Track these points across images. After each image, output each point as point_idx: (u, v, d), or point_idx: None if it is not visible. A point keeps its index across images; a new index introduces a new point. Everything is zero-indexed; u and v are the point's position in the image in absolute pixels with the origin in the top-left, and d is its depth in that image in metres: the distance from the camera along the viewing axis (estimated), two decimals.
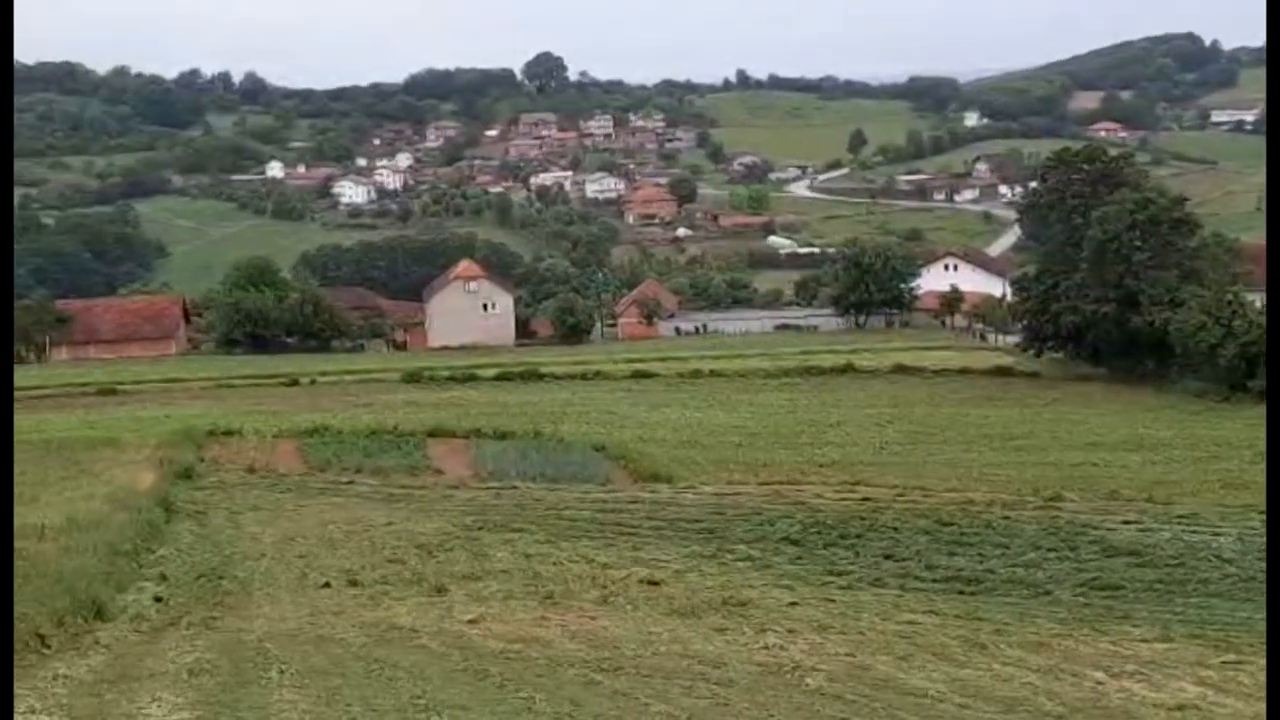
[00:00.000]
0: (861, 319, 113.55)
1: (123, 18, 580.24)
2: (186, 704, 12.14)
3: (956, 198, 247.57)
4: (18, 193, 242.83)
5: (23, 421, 59.00)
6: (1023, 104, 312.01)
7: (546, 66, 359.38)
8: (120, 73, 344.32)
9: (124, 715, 11.59)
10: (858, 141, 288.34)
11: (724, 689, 15.13)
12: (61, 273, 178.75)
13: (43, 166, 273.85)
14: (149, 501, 32.77)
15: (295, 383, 75.07)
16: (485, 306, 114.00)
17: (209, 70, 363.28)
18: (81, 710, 11.94)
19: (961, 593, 24.56)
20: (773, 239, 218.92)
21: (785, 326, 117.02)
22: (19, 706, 12.03)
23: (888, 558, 27.66)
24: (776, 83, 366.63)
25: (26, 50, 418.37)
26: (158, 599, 22.07)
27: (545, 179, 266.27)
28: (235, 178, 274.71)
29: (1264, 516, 28.48)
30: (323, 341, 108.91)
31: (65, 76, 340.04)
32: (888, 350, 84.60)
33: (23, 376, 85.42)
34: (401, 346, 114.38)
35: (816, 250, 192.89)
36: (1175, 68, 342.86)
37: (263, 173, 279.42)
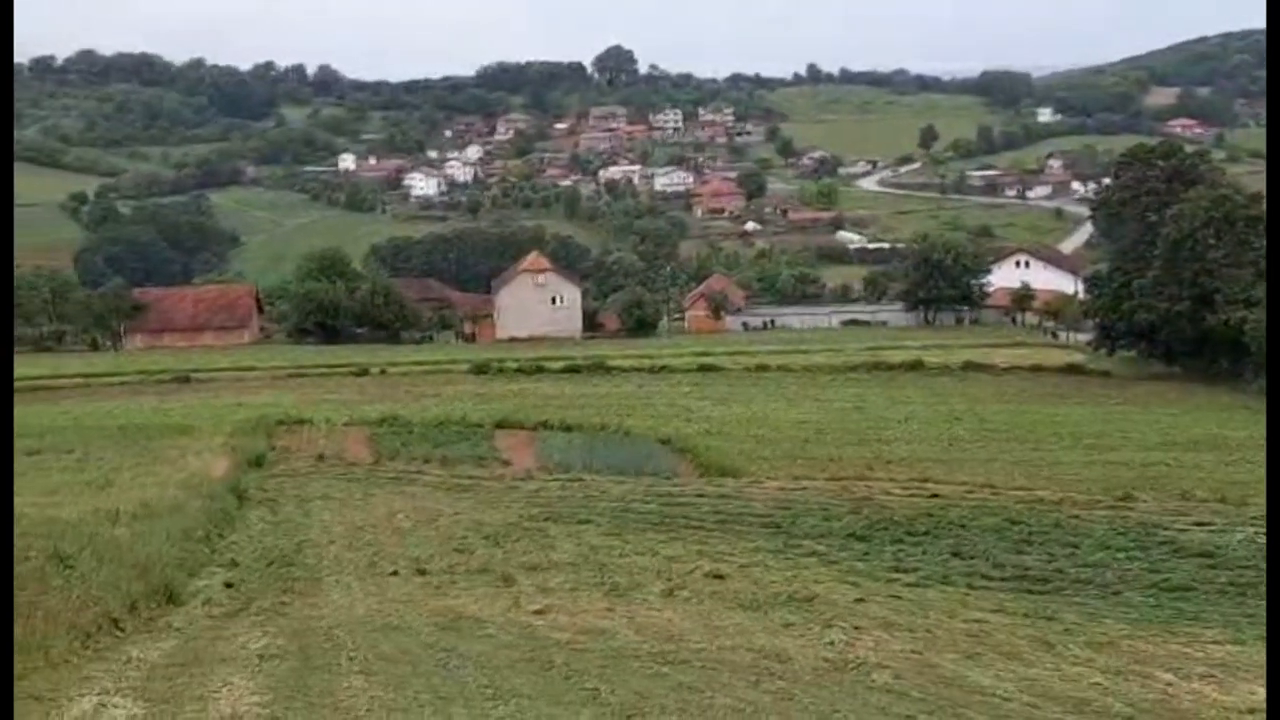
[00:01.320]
0: (931, 315, 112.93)
1: (200, 10, 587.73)
2: (257, 689, 12.29)
3: (1029, 194, 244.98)
4: (96, 181, 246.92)
5: (99, 408, 60.23)
6: (1097, 100, 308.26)
7: (617, 60, 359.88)
8: (197, 65, 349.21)
9: (196, 699, 11.75)
10: (929, 136, 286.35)
11: (789, 684, 15.08)
12: (138, 261, 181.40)
13: (120, 156, 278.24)
14: (221, 488, 33.20)
15: (365, 373, 75.80)
16: (553, 299, 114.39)
17: (283, 63, 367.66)
18: (154, 693, 12.11)
19: (1030, 591, 24.32)
20: (842, 234, 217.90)
21: (853, 322, 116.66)
22: (93, 689, 12.24)
23: (955, 555, 27.45)
24: (847, 77, 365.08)
25: (106, 42, 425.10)
26: (229, 585, 22.32)
27: (614, 172, 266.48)
28: (308, 169, 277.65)
29: None
30: (392, 332, 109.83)
31: (144, 68, 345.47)
32: (957, 347, 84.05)
33: (99, 364, 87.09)
34: (470, 338, 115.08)
35: (886, 246, 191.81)
36: (1253, 63, 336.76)
37: (335, 164, 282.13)
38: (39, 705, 11.39)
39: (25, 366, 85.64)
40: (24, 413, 59.02)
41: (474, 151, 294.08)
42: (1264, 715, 14.88)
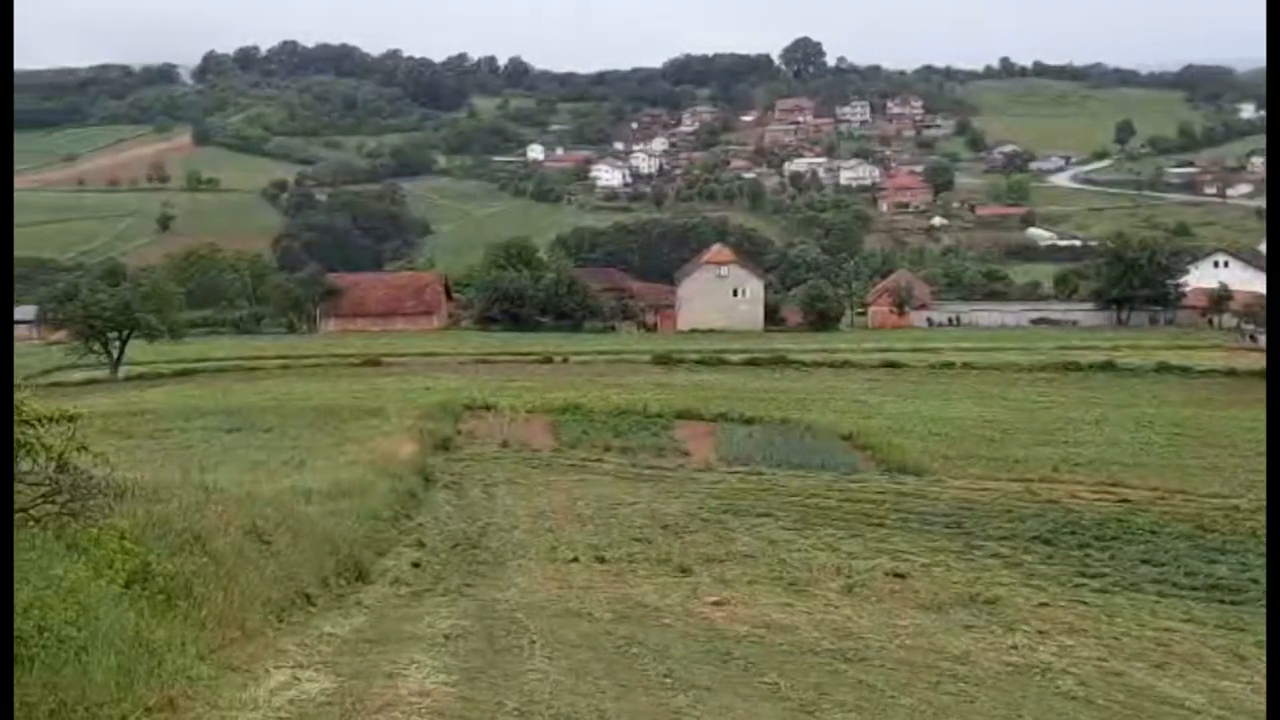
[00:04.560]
0: (1124, 315, 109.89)
1: (397, 3, 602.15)
2: (443, 668, 12.54)
3: (1229, 192, 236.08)
4: (295, 169, 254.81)
5: (295, 388, 62.22)
6: None
7: (805, 52, 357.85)
8: (392, 56, 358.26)
9: (385, 675, 12.05)
10: (1125, 132, 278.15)
11: (971, 686, 14.87)
12: (333, 247, 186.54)
13: (317, 145, 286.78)
14: (409, 470, 33.98)
15: (549, 360, 76.80)
16: (735, 291, 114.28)
17: (476, 55, 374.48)
18: (345, 668, 12.45)
19: (1222, 602, 23.50)
20: (1032, 230, 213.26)
21: (1043, 320, 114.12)
22: (286, 662, 12.63)
23: (1144, 562, 26.68)
24: (1041, 70, 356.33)
25: (307, 34, 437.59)
26: (415, 565, 22.86)
27: (799, 165, 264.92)
28: (497, 159, 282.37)
29: None
30: (575, 321, 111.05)
31: (342, 59, 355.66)
32: (1151, 348, 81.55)
33: (296, 347, 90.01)
34: (651, 328, 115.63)
35: (1078, 243, 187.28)
36: None
37: (523, 155, 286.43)
38: (236, 676, 11.78)
39: (226, 348, 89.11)
40: (225, 392, 61.44)
41: (659, 143, 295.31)
42: None
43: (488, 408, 51.63)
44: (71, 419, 10.14)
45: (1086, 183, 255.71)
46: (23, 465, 9.83)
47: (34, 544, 12.07)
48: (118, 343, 75.62)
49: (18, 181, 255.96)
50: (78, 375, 71.93)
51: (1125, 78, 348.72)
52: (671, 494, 34.11)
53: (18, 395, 9.75)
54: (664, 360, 76.14)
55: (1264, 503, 33.62)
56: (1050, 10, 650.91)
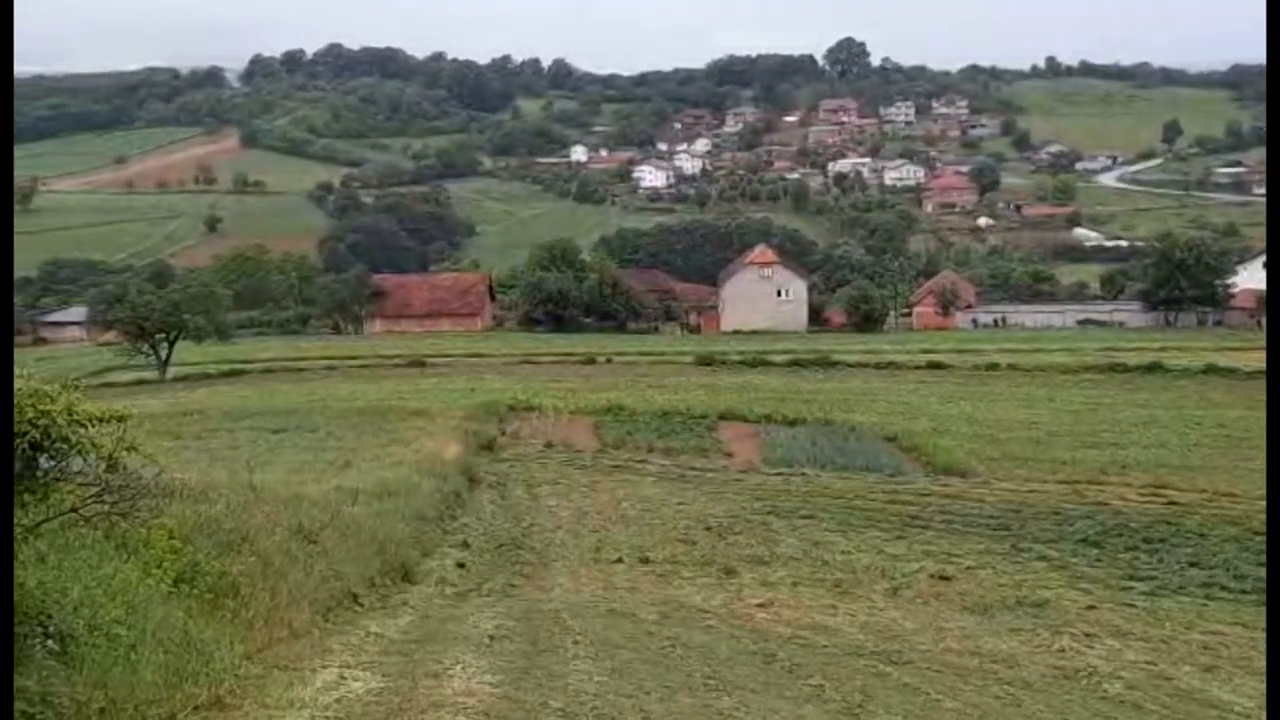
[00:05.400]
0: (1171, 316, 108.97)
1: (442, 4, 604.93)
2: (488, 668, 12.57)
3: None
4: (340, 171, 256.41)
5: (340, 389, 62.59)
6: None
7: (849, 52, 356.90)
8: (437, 58, 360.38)
9: (431, 675, 12.10)
10: (1173, 131, 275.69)
11: (1017, 689, 14.80)
12: (378, 249, 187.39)
13: (363, 147, 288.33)
14: (454, 471, 34.14)
15: (592, 361, 76.84)
16: (779, 292, 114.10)
17: (520, 56, 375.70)
18: (392, 668, 12.51)
19: None
20: (1078, 230, 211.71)
21: (1089, 321, 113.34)
22: (333, 661, 12.70)
23: (1193, 565, 26.44)
24: (1087, 69, 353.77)
25: (354, 37, 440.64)
26: (460, 565, 22.97)
27: (843, 165, 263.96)
28: (541, 160, 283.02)
29: None
30: (619, 322, 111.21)
31: (388, 61, 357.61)
32: (1199, 349, 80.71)
33: (341, 348, 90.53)
34: (695, 329, 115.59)
35: (1125, 244, 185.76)
36: None
37: (567, 156, 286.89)
38: (283, 675, 11.86)
39: (273, 349, 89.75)
40: (271, 392, 61.86)
41: (703, 144, 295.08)
42: None
43: (531, 408, 51.81)
44: (121, 419, 10.25)
45: (1133, 183, 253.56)
46: (74, 465, 9.95)
47: (84, 543, 12.21)
48: (166, 344, 76.28)
49: (68, 184, 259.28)
50: (127, 376, 72.61)
51: (1172, 77, 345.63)
52: (715, 495, 34.09)
53: (70, 396, 9.88)
54: (707, 361, 76.01)
55: None
56: (1096, 9, 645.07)
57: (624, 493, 34.08)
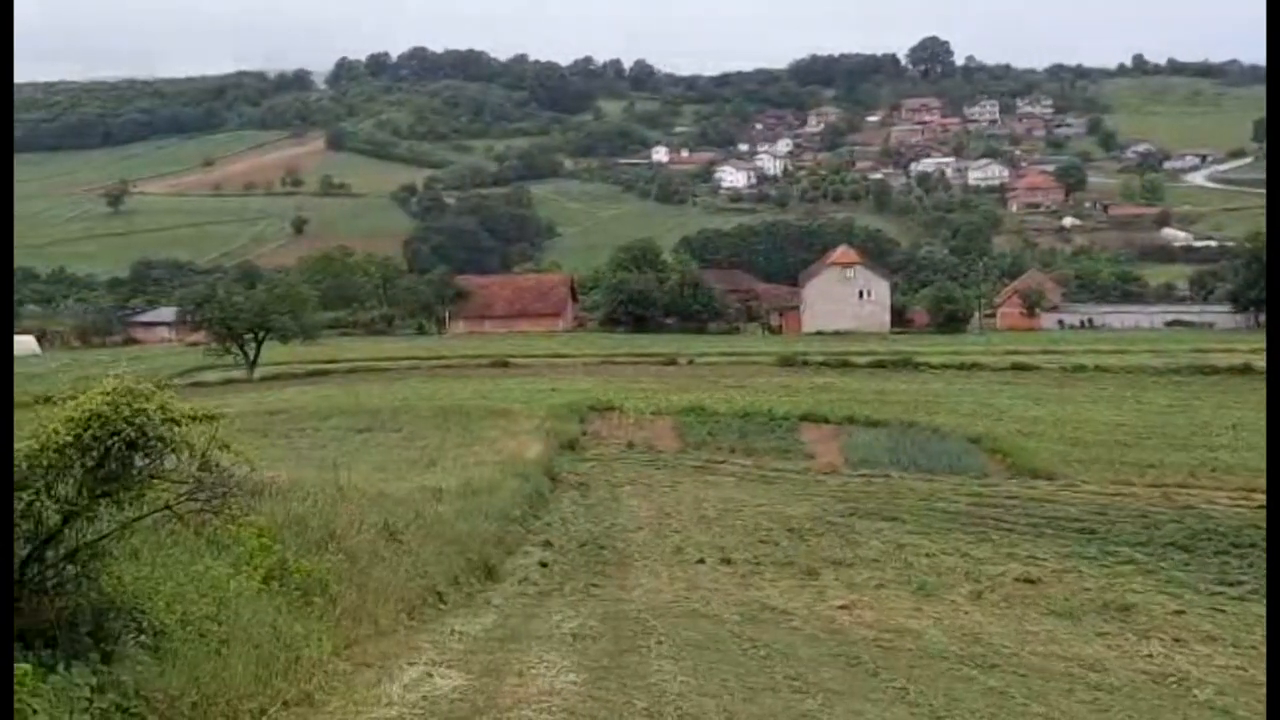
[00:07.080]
0: (1261, 317, 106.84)
1: (525, 5, 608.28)
2: (571, 667, 12.65)
3: None
4: (424, 173, 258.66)
5: (424, 389, 63.12)
6: None
7: (932, 51, 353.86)
8: (519, 60, 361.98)
9: (515, 673, 12.19)
10: (1263, 130, 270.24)
11: (1105, 694, 14.61)
12: (461, 250, 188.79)
13: (447, 149, 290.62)
14: (536, 470, 34.31)
15: (673, 362, 76.81)
16: (861, 293, 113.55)
17: (601, 57, 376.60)
18: (476, 665, 12.62)
19: None
20: (1167, 230, 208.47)
21: (1178, 323, 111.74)
22: (419, 658, 12.84)
23: None
24: (1175, 67, 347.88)
25: (436, 39, 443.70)
26: (543, 564, 23.07)
27: (926, 165, 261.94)
28: (622, 161, 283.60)
29: None
30: (700, 323, 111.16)
31: (470, 63, 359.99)
32: None
33: (425, 348, 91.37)
34: (776, 330, 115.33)
35: (1214, 244, 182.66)
36: None
37: (648, 157, 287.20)
38: (370, 672, 12.02)
39: (358, 349, 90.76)
40: (356, 392, 62.54)
41: (784, 144, 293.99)
42: None
43: (613, 409, 51.92)
44: (213, 418, 10.44)
45: (1223, 182, 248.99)
46: (168, 463, 10.17)
47: (177, 540, 12.45)
48: (253, 344, 77.35)
49: (158, 186, 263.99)
50: (216, 375, 73.73)
51: (1262, 74, 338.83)
52: (797, 496, 33.97)
53: (164, 395, 10.08)
54: (789, 362, 75.70)
55: None
56: (1185, 6, 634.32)
57: (705, 493, 34.06)
